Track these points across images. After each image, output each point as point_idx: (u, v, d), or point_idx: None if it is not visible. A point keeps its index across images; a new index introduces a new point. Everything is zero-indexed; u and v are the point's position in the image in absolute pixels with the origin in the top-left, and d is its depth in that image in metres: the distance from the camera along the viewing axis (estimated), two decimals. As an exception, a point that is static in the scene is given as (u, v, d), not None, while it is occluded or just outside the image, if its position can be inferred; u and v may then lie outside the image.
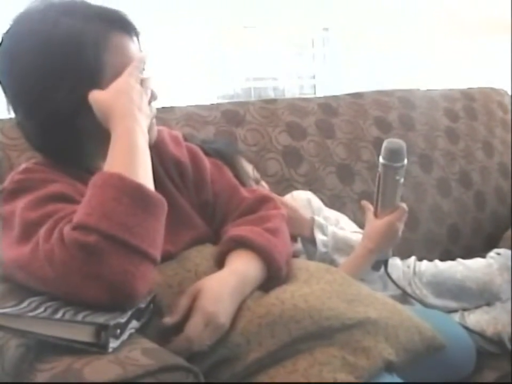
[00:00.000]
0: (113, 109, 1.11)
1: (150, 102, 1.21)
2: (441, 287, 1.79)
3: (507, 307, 1.73)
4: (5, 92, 1.20)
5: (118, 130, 1.09)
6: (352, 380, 1.06)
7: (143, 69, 1.19)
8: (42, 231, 1.02)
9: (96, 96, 1.13)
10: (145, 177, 1.06)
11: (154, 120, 1.25)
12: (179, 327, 1.08)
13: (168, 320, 1.09)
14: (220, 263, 1.23)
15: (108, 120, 1.11)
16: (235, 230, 1.28)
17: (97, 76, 1.14)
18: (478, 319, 1.69)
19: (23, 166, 1.23)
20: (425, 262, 1.85)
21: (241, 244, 1.24)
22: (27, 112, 1.18)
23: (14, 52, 1.17)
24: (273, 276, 1.23)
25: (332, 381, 1.04)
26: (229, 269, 1.20)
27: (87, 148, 1.20)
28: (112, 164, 1.06)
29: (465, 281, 1.79)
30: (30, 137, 1.24)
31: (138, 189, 1.02)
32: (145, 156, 1.09)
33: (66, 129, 1.16)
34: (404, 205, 1.60)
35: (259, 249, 1.22)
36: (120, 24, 1.19)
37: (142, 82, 1.16)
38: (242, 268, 1.20)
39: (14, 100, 1.20)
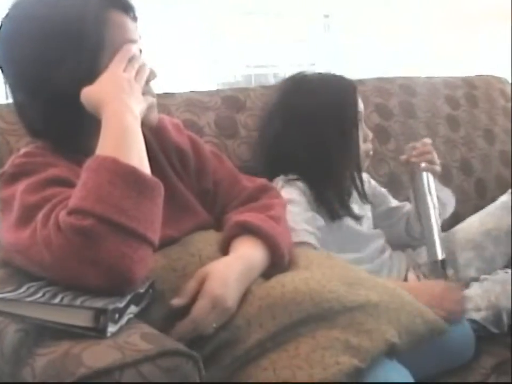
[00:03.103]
0: (101, 98, 1.11)
1: (149, 81, 1.22)
2: (457, 246, 1.78)
3: (498, 279, 1.72)
4: (5, 77, 1.21)
5: (107, 114, 1.08)
6: (355, 363, 1.06)
7: (135, 58, 1.18)
8: (40, 216, 1.02)
9: (85, 92, 1.13)
10: (139, 160, 1.05)
11: (155, 101, 1.25)
12: (184, 311, 1.09)
13: (176, 302, 1.10)
14: (224, 248, 1.24)
15: (98, 109, 1.10)
16: (240, 216, 1.29)
17: (98, 51, 1.15)
18: (471, 294, 1.69)
19: (24, 149, 1.23)
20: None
21: (247, 229, 1.25)
22: (28, 93, 1.18)
23: (13, 35, 1.17)
24: (276, 263, 1.24)
25: (334, 365, 1.04)
26: (235, 254, 1.21)
27: (87, 130, 1.19)
28: (105, 147, 1.05)
29: (482, 226, 1.77)
30: (30, 122, 1.24)
31: (133, 173, 1.01)
32: (137, 138, 1.08)
33: (68, 108, 1.15)
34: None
35: (265, 235, 1.23)
36: (119, 4, 1.20)
37: (138, 71, 1.16)
38: (248, 253, 1.21)
39: (14, 84, 1.20)
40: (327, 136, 1.58)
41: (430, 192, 1.66)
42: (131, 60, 1.16)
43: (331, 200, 1.58)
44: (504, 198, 1.89)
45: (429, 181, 1.67)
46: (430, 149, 1.68)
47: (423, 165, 1.66)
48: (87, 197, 0.98)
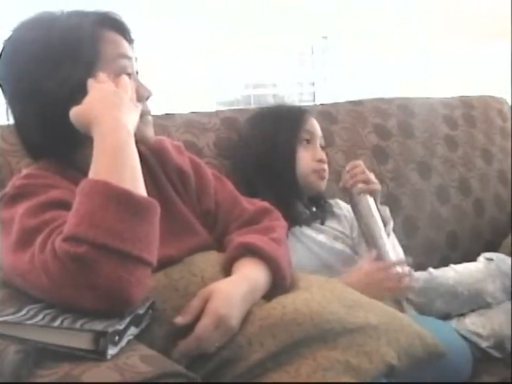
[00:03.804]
0: (91, 116, 1.11)
1: (146, 99, 1.25)
2: (433, 292, 1.79)
3: (503, 306, 1.73)
4: (5, 96, 1.23)
5: (99, 132, 1.08)
6: None
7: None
8: (38, 241, 1.02)
9: (74, 112, 1.13)
10: (132, 179, 1.05)
11: (150, 118, 1.27)
12: (187, 329, 1.10)
13: (179, 320, 1.10)
14: (226, 269, 1.25)
15: (90, 128, 1.10)
16: (243, 238, 1.30)
17: (91, 63, 1.17)
18: (474, 321, 1.69)
19: (25, 171, 1.24)
20: (418, 272, 1.86)
21: (251, 251, 1.25)
22: (26, 107, 1.20)
23: (14, 57, 1.20)
24: (278, 285, 1.24)
25: None
26: (239, 274, 1.21)
27: (84, 144, 1.18)
28: (97, 168, 1.05)
29: (457, 287, 1.79)
30: (28, 139, 1.25)
31: (125, 195, 1.00)
32: (130, 154, 1.08)
33: (63, 120, 1.14)
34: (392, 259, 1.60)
35: (268, 257, 1.24)
36: (115, 25, 1.24)
37: (118, 81, 1.17)
38: (252, 274, 1.22)
39: (13, 100, 1.22)
40: (267, 161, 1.68)
41: (372, 215, 1.63)
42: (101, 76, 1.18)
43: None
44: (481, 265, 1.89)
45: (369, 203, 1.63)
46: (362, 169, 1.66)
47: (359, 186, 1.64)
48: (80, 223, 0.98)
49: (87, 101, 1.13)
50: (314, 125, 1.76)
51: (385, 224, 1.70)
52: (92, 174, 1.05)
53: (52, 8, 1.25)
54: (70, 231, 0.97)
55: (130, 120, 1.12)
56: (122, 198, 1.00)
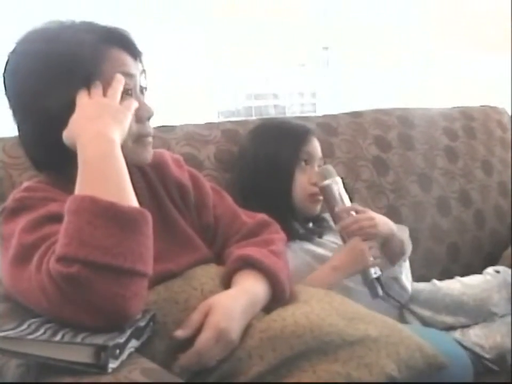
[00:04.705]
0: (74, 134, 1.10)
1: (147, 119, 1.24)
2: (438, 303, 1.80)
3: (506, 319, 1.74)
4: (11, 108, 1.22)
5: (79, 148, 1.08)
6: None
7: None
8: (35, 259, 1.02)
9: (63, 135, 1.13)
10: (117, 190, 1.03)
11: (150, 139, 1.26)
12: (187, 343, 1.10)
13: (180, 333, 1.10)
14: (226, 282, 1.25)
15: (75, 145, 1.09)
16: (242, 250, 1.30)
17: (89, 81, 1.16)
18: (477, 333, 1.70)
19: (25, 184, 1.24)
20: (422, 283, 1.87)
21: (250, 264, 1.25)
22: (29, 123, 1.20)
23: (17, 70, 1.20)
24: (277, 297, 1.24)
25: None
26: (239, 287, 1.21)
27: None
28: (81, 183, 1.04)
29: (462, 297, 1.80)
30: (29, 152, 1.25)
31: (111, 208, 0.98)
32: (113, 165, 1.06)
33: (61, 137, 1.13)
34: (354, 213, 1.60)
35: (267, 270, 1.24)
36: (121, 42, 1.22)
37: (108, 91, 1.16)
38: (251, 287, 1.22)
39: (18, 114, 1.22)
40: (265, 179, 1.67)
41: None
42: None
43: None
44: (489, 276, 1.91)
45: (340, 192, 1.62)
46: (374, 223, 1.58)
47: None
48: (69, 242, 0.97)
49: (72, 120, 1.12)
50: (315, 146, 1.74)
51: (405, 251, 1.68)
52: (77, 189, 1.04)
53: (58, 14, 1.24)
54: (61, 251, 0.97)
55: (115, 128, 1.10)
56: (110, 212, 0.98)
